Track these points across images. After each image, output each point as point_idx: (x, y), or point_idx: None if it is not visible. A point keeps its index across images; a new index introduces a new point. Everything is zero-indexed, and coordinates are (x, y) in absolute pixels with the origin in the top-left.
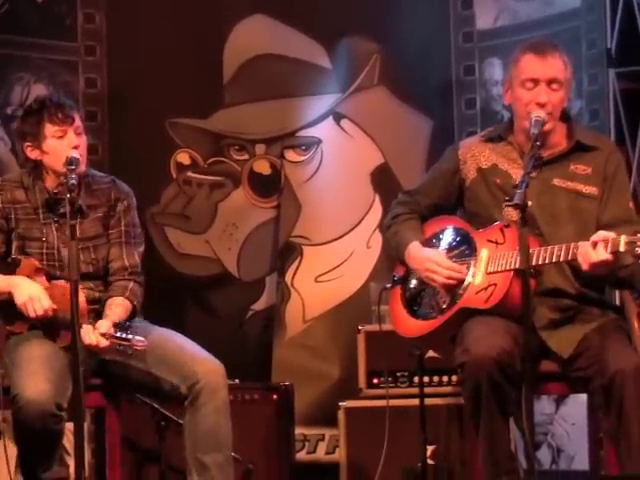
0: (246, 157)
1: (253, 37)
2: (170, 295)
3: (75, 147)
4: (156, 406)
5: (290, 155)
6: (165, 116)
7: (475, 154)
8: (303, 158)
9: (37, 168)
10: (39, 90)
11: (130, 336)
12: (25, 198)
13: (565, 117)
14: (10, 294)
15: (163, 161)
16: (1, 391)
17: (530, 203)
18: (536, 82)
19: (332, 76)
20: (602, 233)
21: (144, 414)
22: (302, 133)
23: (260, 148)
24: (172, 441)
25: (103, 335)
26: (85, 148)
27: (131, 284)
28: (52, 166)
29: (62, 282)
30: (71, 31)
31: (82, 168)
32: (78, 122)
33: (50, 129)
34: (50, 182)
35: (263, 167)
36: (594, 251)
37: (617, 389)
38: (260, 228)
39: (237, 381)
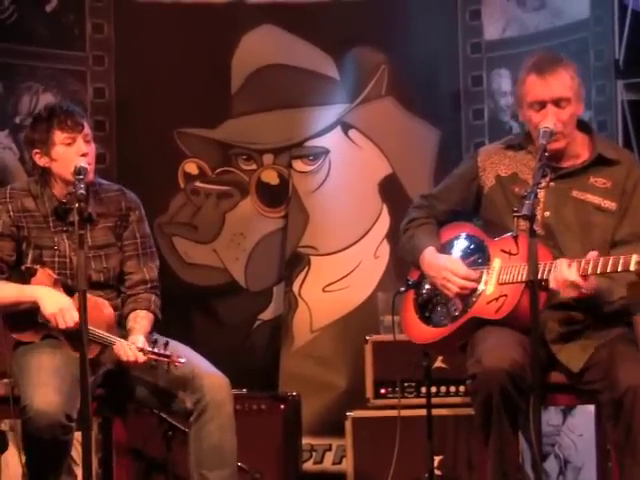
0: (254, 167)
1: (261, 47)
2: (177, 305)
3: (84, 155)
4: (163, 416)
5: (298, 165)
6: (173, 126)
7: (495, 162)
8: (311, 168)
9: (45, 175)
10: (47, 99)
11: (169, 352)
12: (34, 207)
13: (586, 128)
14: (34, 304)
15: (171, 171)
16: (11, 400)
17: (548, 213)
18: (542, 104)
19: (340, 86)
20: (592, 254)
21: (151, 424)
22: (310, 143)
23: (268, 158)
24: (179, 450)
25: (141, 350)
26: (94, 156)
27: (153, 297)
28: (60, 174)
29: (89, 297)
30: (79, 41)
31: (90, 177)
32: (87, 130)
33: (59, 136)
34: (59, 190)
35: (271, 177)
36: (568, 270)
37: (628, 404)
38: (268, 238)
39: (244, 391)
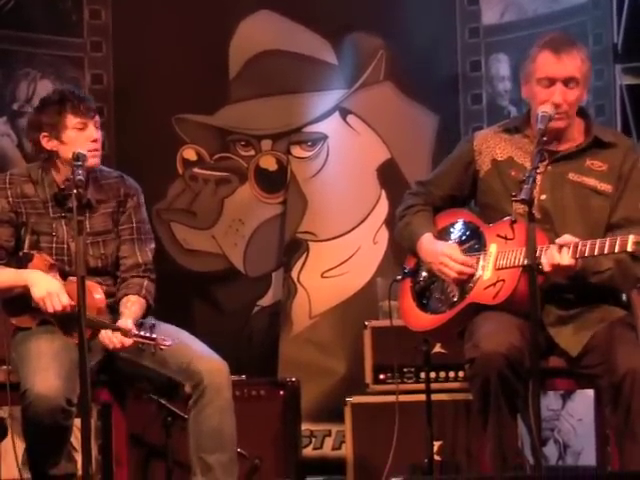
0: (252, 153)
1: (259, 33)
2: (176, 291)
3: (94, 140)
4: (162, 402)
5: (296, 151)
6: (171, 112)
7: (491, 145)
8: (309, 154)
9: (49, 161)
10: (45, 86)
11: (154, 335)
12: (34, 192)
13: (583, 113)
14: (25, 287)
15: (169, 157)
16: (8, 387)
17: (544, 197)
18: (552, 81)
19: (338, 72)
20: (568, 237)
21: (150, 410)
22: (308, 129)
23: (266, 144)
24: (178, 437)
25: (126, 333)
26: (101, 142)
27: (145, 282)
28: (69, 157)
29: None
30: (77, 27)
31: (97, 162)
32: (97, 117)
33: (72, 120)
34: (61, 176)
35: (269, 163)
36: (559, 254)
37: (627, 388)
38: (266, 224)
39: (243, 377)
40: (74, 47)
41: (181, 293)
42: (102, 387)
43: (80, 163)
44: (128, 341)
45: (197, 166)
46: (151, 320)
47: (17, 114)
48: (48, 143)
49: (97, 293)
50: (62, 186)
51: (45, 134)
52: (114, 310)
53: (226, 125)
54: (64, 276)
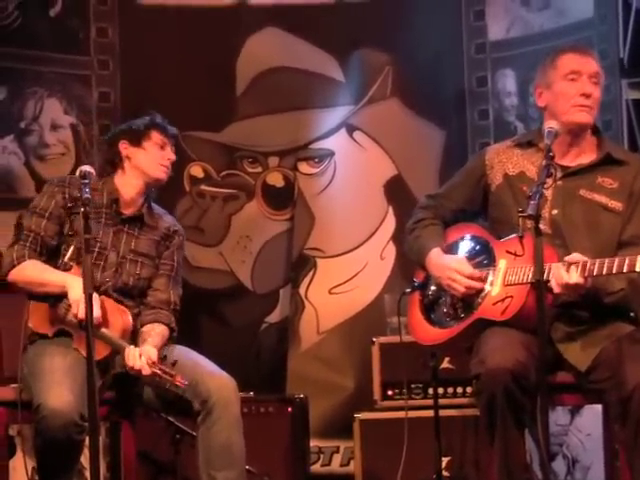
0: (259, 169)
1: (265, 50)
2: (184, 308)
3: (170, 160)
4: (171, 419)
5: (303, 167)
6: (178, 129)
7: (503, 160)
8: (316, 170)
9: (116, 168)
10: (52, 104)
11: (174, 372)
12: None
13: (595, 129)
14: (62, 288)
15: (177, 174)
16: (19, 405)
17: (556, 212)
18: (579, 75)
19: (345, 88)
20: (577, 256)
21: (159, 427)
22: (315, 145)
23: (273, 160)
24: (187, 454)
25: (151, 364)
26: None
27: (173, 317)
28: (143, 164)
29: (112, 301)
30: (84, 45)
31: (164, 177)
32: (175, 148)
33: (156, 135)
34: (124, 186)
35: (276, 179)
36: (567, 273)
37: (636, 403)
38: (274, 240)
39: (252, 394)
40: (81, 65)
41: (189, 310)
42: (111, 405)
43: (87, 181)
44: (147, 370)
45: (204, 183)
46: (173, 351)
47: (24, 132)
48: (125, 149)
49: (126, 315)
50: (115, 197)
51: (125, 141)
52: (134, 333)
53: (233, 142)
54: (98, 290)
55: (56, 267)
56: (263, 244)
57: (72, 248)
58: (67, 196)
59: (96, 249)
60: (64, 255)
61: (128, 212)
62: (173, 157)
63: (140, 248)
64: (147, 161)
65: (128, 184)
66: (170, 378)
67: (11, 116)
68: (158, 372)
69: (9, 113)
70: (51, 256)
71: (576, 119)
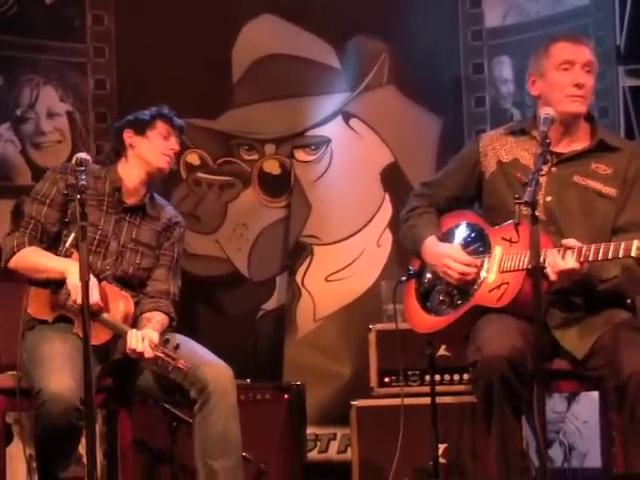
0: (256, 157)
1: (262, 37)
2: (180, 295)
3: (174, 151)
4: (168, 407)
5: (300, 155)
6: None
7: (496, 147)
8: (313, 158)
9: (119, 156)
10: (48, 92)
11: (176, 355)
12: (93, 184)
13: (588, 116)
14: (61, 274)
15: None
16: (18, 392)
17: (550, 198)
18: (572, 64)
19: (341, 75)
20: (572, 241)
21: (156, 415)
22: (311, 133)
23: (270, 148)
24: (184, 442)
25: (153, 347)
26: (176, 159)
27: (172, 308)
28: (146, 153)
29: (114, 287)
30: (80, 33)
31: (167, 168)
32: (181, 140)
33: (161, 125)
34: (127, 175)
35: (273, 167)
36: (562, 259)
37: (632, 390)
38: (270, 228)
39: (248, 381)
40: (77, 53)
41: (185, 298)
42: (108, 392)
43: (83, 168)
44: (150, 352)
45: (200, 170)
46: (174, 337)
47: (20, 120)
48: (129, 138)
49: (128, 301)
50: (117, 186)
51: (130, 130)
52: (135, 320)
53: (229, 129)
54: (99, 277)
55: (57, 254)
56: (260, 232)
57: (72, 235)
58: (68, 183)
59: (97, 236)
60: (65, 242)
61: (130, 201)
62: (177, 148)
63: (141, 238)
64: (150, 150)
65: (131, 173)
66: (173, 361)
67: (7, 104)
68: (161, 355)
69: (5, 101)
70: (52, 243)
71: (569, 109)
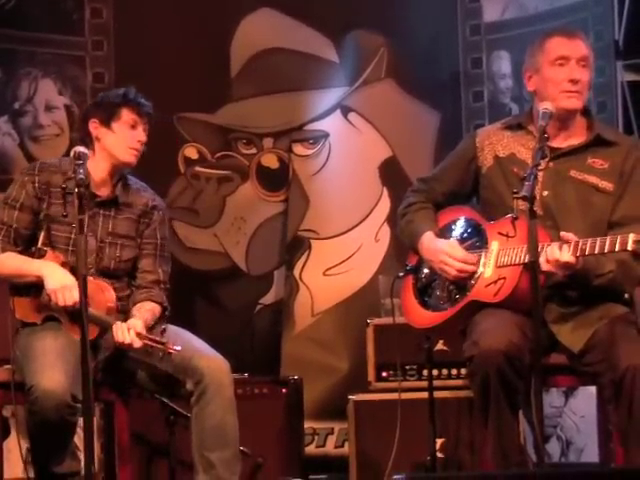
0: (254, 151)
1: (260, 31)
2: (178, 289)
3: (140, 141)
4: (165, 400)
5: (298, 149)
6: (173, 110)
7: (493, 142)
8: (311, 152)
9: (87, 148)
10: (46, 85)
11: (165, 339)
12: (61, 182)
13: (585, 111)
14: (39, 278)
15: (171, 155)
16: (12, 386)
17: (546, 193)
18: (567, 60)
19: (339, 69)
20: (569, 235)
21: (153, 409)
22: (310, 127)
23: (268, 142)
24: (181, 435)
25: (138, 335)
26: (143, 147)
27: (164, 297)
28: (111, 146)
29: (93, 280)
30: (78, 26)
31: (134, 161)
32: (148, 125)
33: (127, 114)
34: (95, 169)
35: (271, 161)
36: (559, 251)
37: (628, 384)
38: (268, 222)
39: (246, 375)
40: (75, 46)
41: (183, 291)
42: (105, 385)
43: (81, 162)
44: (138, 342)
45: (199, 164)
46: (162, 325)
47: (18, 113)
48: (95, 129)
49: (108, 292)
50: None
51: (95, 120)
52: (125, 312)
53: (228, 123)
54: (74, 273)
55: (31, 254)
56: (257, 226)
57: (43, 232)
58: (37, 184)
59: (72, 235)
60: (37, 240)
61: (101, 194)
62: (143, 138)
63: (118, 230)
64: (116, 144)
65: (98, 166)
66: (162, 346)
67: (5, 97)
68: (149, 342)
69: (3, 94)
70: (28, 245)
71: (565, 105)
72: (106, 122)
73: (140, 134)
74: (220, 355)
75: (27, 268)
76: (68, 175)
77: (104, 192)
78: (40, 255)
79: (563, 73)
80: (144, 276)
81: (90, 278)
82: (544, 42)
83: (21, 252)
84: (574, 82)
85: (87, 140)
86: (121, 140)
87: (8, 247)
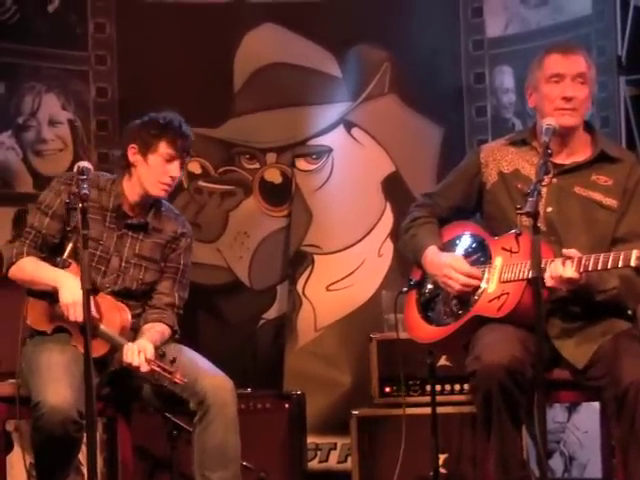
0: (257, 166)
1: (263, 46)
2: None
3: (172, 177)
4: (168, 415)
5: (301, 164)
6: None
7: (497, 157)
8: (314, 167)
9: (125, 172)
10: (50, 99)
11: (173, 369)
12: (96, 197)
13: (589, 127)
14: (54, 289)
15: None
16: (17, 400)
17: (550, 209)
18: (562, 77)
19: (342, 84)
20: (572, 251)
21: (156, 423)
22: (313, 142)
23: (271, 157)
24: (184, 450)
25: (147, 360)
26: (177, 182)
27: (175, 321)
28: (143, 178)
29: (109, 298)
30: (82, 40)
31: (163, 195)
32: (187, 159)
33: (164, 147)
34: (130, 191)
35: (274, 176)
36: (563, 267)
37: (631, 400)
38: (271, 237)
39: (249, 390)
40: (79, 60)
41: (186, 306)
42: (108, 400)
43: (85, 177)
44: (145, 367)
45: (202, 179)
46: (172, 348)
47: (22, 128)
48: (133, 155)
49: (125, 313)
50: (117, 203)
51: (134, 146)
52: (135, 330)
53: (231, 138)
54: (95, 290)
55: (54, 263)
56: (260, 240)
57: (70, 245)
58: (72, 196)
59: (98, 252)
60: (64, 251)
61: (134, 217)
62: (177, 174)
63: (144, 252)
64: (147, 177)
65: (133, 190)
66: (169, 375)
67: (9, 111)
68: (157, 369)
69: (7, 108)
70: (53, 252)
71: (559, 122)
72: (143, 152)
73: (174, 169)
74: (224, 374)
75: (44, 275)
76: (72, 190)
77: (137, 216)
78: (64, 266)
79: (557, 90)
80: (160, 297)
81: (109, 297)
82: (542, 59)
83: (44, 259)
84: (567, 100)
85: (124, 163)
86: (153, 174)
87: (32, 252)
